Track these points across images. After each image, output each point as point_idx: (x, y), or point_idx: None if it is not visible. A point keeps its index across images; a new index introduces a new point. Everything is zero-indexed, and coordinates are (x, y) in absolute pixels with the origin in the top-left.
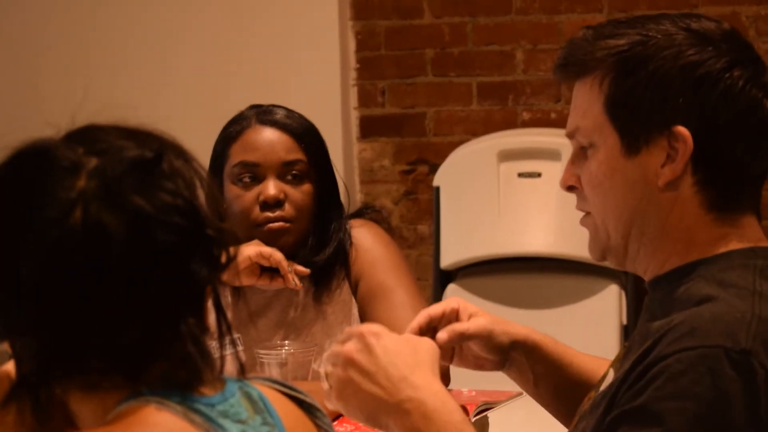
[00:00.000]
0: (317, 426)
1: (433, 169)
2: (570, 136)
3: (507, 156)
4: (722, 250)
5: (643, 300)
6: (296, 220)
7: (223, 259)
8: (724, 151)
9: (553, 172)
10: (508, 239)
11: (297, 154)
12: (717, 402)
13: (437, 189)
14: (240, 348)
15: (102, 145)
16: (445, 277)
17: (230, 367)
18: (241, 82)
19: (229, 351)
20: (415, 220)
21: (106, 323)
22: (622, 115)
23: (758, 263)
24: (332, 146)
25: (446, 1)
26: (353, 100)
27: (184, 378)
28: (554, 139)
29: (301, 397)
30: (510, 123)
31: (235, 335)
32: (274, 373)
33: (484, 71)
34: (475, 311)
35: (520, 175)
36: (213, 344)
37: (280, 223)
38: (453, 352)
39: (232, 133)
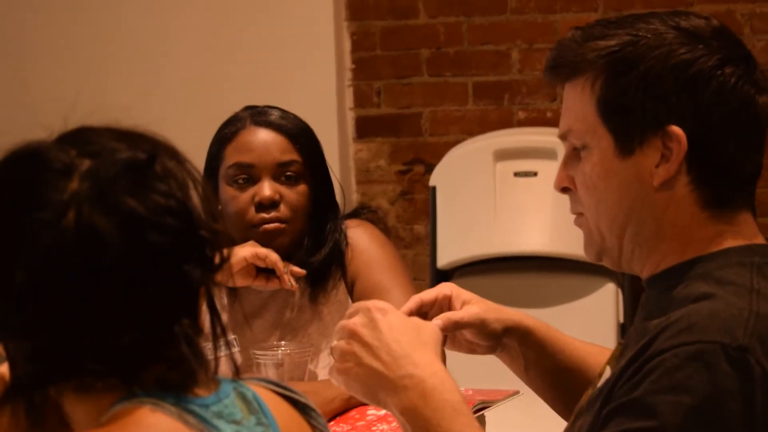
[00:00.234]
0: (312, 426)
1: (429, 169)
2: (562, 138)
3: (503, 155)
4: (719, 247)
5: (640, 298)
6: (292, 221)
7: (217, 259)
8: (718, 149)
9: (549, 171)
10: (505, 238)
11: (292, 155)
12: (712, 397)
13: (433, 189)
14: (236, 349)
15: (94, 147)
16: (441, 277)
17: (226, 369)
18: (236, 83)
19: (225, 352)
20: (412, 220)
21: (101, 325)
22: (615, 117)
23: (755, 260)
24: (328, 147)
25: (441, 1)
26: (349, 100)
27: (178, 379)
28: (550, 138)
29: (296, 397)
30: (506, 122)
31: (231, 336)
32: (271, 373)
33: (480, 71)
34: (468, 298)
35: (516, 174)
36: (208, 346)
37: (276, 224)
38: (446, 337)
39: (226, 134)
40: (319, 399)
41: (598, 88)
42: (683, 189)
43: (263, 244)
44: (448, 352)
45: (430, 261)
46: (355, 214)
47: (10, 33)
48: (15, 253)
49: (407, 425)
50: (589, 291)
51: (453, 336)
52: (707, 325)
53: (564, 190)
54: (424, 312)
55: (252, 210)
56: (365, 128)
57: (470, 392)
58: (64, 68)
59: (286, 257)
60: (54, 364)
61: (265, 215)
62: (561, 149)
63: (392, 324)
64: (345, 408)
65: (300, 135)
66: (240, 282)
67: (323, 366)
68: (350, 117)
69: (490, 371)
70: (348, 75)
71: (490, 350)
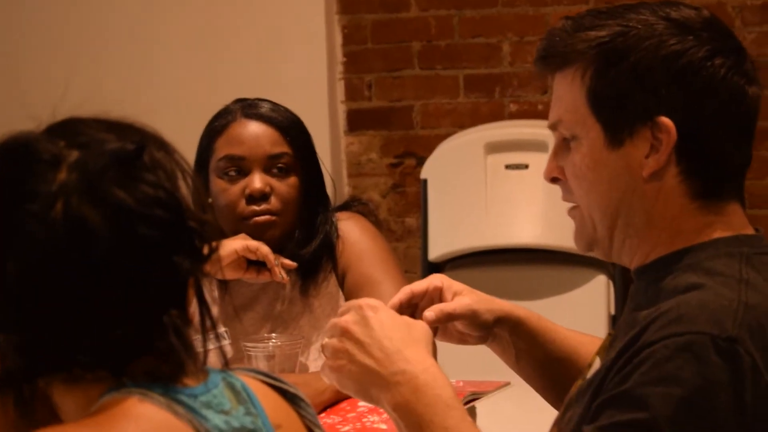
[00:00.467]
0: (301, 416)
1: (421, 161)
2: (552, 128)
3: (494, 148)
4: (707, 238)
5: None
6: (282, 214)
7: (206, 251)
8: (708, 140)
9: (541, 163)
10: (496, 231)
11: (282, 148)
12: (703, 388)
13: (425, 182)
14: (227, 342)
15: (83, 138)
16: (433, 270)
17: (216, 362)
18: (227, 75)
19: (215, 345)
20: (403, 212)
21: (90, 317)
22: (604, 108)
23: (744, 251)
24: (319, 140)
25: None
26: (340, 93)
27: (167, 370)
28: (541, 130)
29: (285, 387)
30: (497, 115)
31: (223, 329)
32: (262, 365)
33: (471, 64)
34: (459, 289)
35: (508, 166)
36: (198, 338)
37: (267, 217)
38: (437, 329)
39: (217, 127)
40: (310, 390)
41: (588, 79)
42: (673, 180)
43: (254, 237)
44: (440, 345)
45: (422, 254)
46: (346, 206)
47: None
48: (3, 245)
49: (400, 421)
50: (581, 283)
51: (444, 327)
52: (696, 316)
53: (554, 180)
54: (414, 303)
55: (243, 202)
56: (356, 121)
57: (461, 384)
58: (53, 59)
59: (277, 250)
60: (43, 357)
61: (255, 208)
62: (552, 142)
63: (383, 321)
64: (336, 399)
65: (290, 127)
66: (231, 275)
67: (314, 358)
68: (341, 110)
69: (481, 363)
70: (339, 68)
71: (481, 340)
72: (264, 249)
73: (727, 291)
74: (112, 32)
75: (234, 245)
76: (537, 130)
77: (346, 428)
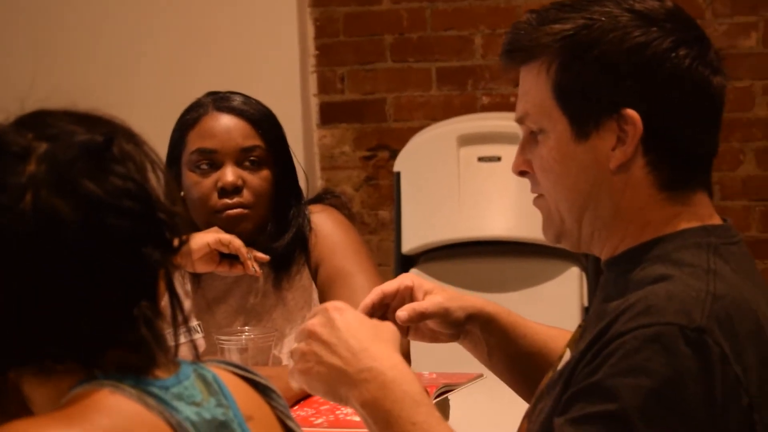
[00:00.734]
0: (273, 408)
1: (394, 154)
2: (519, 121)
3: (467, 140)
4: (675, 229)
5: None
6: (255, 207)
7: (176, 243)
8: (674, 131)
9: (513, 156)
10: (469, 223)
11: (254, 140)
12: (672, 379)
13: (398, 174)
14: (200, 335)
15: (52, 130)
16: (406, 262)
17: (189, 355)
18: (199, 69)
19: (188, 338)
20: (376, 205)
21: (59, 309)
22: (570, 101)
23: (711, 241)
24: (292, 133)
25: None
26: (313, 86)
27: (138, 362)
28: (514, 123)
29: (256, 378)
30: (469, 108)
31: (196, 322)
32: (235, 358)
33: (443, 56)
34: (429, 288)
35: (480, 159)
36: (170, 331)
37: (239, 210)
38: (408, 328)
39: (189, 120)
40: (283, 384)
41: (554, 72)
42: (640, 171)
43: (226, 230)
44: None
45: (395, 246)
46: (318, 199)
47: None
48: None
49: (368, 419)
50: (554, 275)
51: (416, 326)
52: (665, 307)
53: (522, 173)
54: (386, 303)
55: (215, 196)
56: (329, 114)
57: (434, 376)
58: (20, 51)
59: (250, 243)
60: (13, 349)
61: (228, 201)
62: None
63: (349, 322)
64: (309, 393)
65: (263, 120)
66: (203, 268)
67: (287, 351)
68: (314, 103)
69: (454, 355)
70: (312, 61)
71: (453, 338)
72: (236, 242)
73: (695, 282)
74: (80, 24)
75: (206, 238)
76: (509, 122)
77: (319, 420)
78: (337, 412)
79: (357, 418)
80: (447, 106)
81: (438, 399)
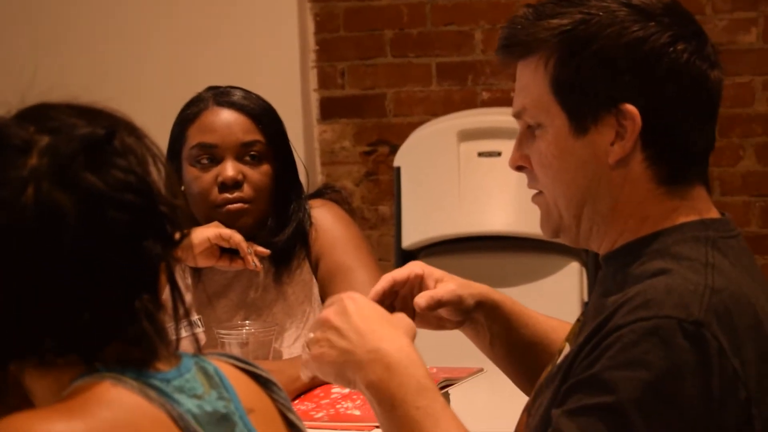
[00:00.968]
0: (274, 401)
1: (394, 149)
2: (517, 116)
3: (467, 136)
4: (673, 223)
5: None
6: (255, 201)
7: (177, 236)
8: (672, 125)
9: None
10: (469, 218)
11: (255, 135)
12: (669, 371)
13: (398, 169)
14: (200, 329)
15: (53, 124)
16: (406, 257)
17: (190, 349)
18: (200, 64)
19: (188, 333)
20: (377, 200)
21: (60, 302)
22: (569, 96)
23: (710, 235)
24: (292, 128)
25: None
26: (313, 82)
27: (139, 354)
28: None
29: (258, 371)
30: (469, 103)
31: (196, 317)
32: (235, 352)
33: (443, 51)
34: (440, 276)
35: (480, 154)
36: (171, 326)
37: (239, 204)
38: (414, 315)
39: (189, 115)
40: (284, 377)
41: (552, 67)
42: (638, 166)
43: (227, 225)
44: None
45: (395, 241)
46: (319, 194)
47: None
48: None
49: (373, 400)
50: (554, 270)
51: (424, 314)
52: (663, 301)
53: (519, 168)
54: (395, 291)
55: (215, 190)
56: (329, 109)
57: (434, 370)
58: (22, 45)
59: (250, 237)
60: (13, 342)
61: (228, 195)
62: None
63: (362, 308)
64: (310, 386)
65: (263, 115)
66: (203, 262)
67: (288, 345)
68: (314, 98)
69: (455, 349)
70: (312, 56)
71: (459, 325)
72: (237, 237)
73: (693, 275)
74: (81, 18)
75: (207, 233)
76: (509, 117)
77: (320, 414)
78: (338, 406)
79: (357, 412)
80: (447, 101)
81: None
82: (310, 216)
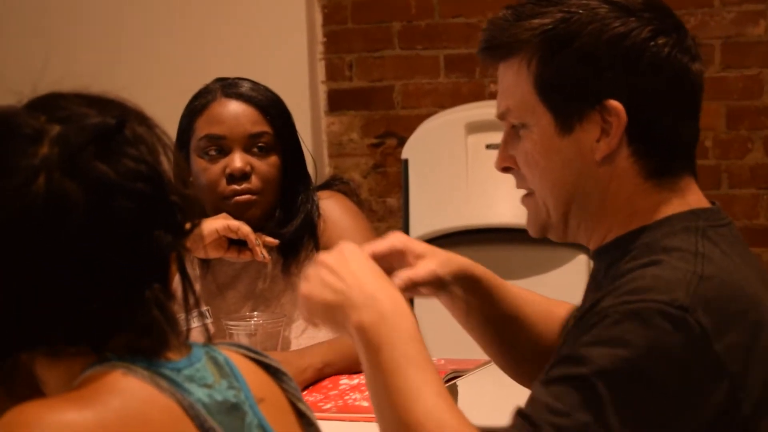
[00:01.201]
0: (283, 390)
1: (402, 141)
2: (501, 117)
3: (475, 128)
4: (663, 215)
5: None
6: (263, 193)
7: (187, 225)
8: (656, 120)
9: None
10: (477, 211)
11: (263, 127)
12: (648, 351)
13: (406, 162)
14: (209, 320)
15: (64, 113)
16: None
17: (201, 339)
18: (208, 56)
19: (198, 323)
20: (384, 192)
21: (71, 291)
22: (553, 95)
23: (700, 225)
24: (300, 120)
25: None
26: (321, 73)
27: (150, 344)
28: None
29: (267, 361)
30: (477, 95)
31: (205, 307)
32: (243, 343)
33: (451, 44)
34: (421, 252)
35: (488, 146)
36: (181, 316)
37: (247, 196)
38: None
39: (197, 106)
40: (292, 369)
41: (534, 67)
42: (625, 161)
43: (235, 216)
44: (422, 323)
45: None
46: (327, 185)
47: None
48: None
49: (360, 344)
50: (562, 262)
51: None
52: (650, 287)
53: (506, 169)
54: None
55: (223, 182)
56: (337, 101)
57: (443, 362)
58: (33, 34)
59: (258, 229)
60: (24, 331)
61: (236, 187)
62: None
63: (358, 255)
64: (318, 378)
65: (271, 106)
66: (212, 254)
67: (296, 336)
68: (322, 90)
69: (463, 341)
70: (320, 48)
71: (433, 295)
72: (245, 228)
73: (683, 264)
74: (91, 10)
75: (215, 225)
76: None
77: (328, 406)
78: (346, 397)
79: (366, 404)
80: (455, 93)
81: (446, 385)
82: (318, 207)
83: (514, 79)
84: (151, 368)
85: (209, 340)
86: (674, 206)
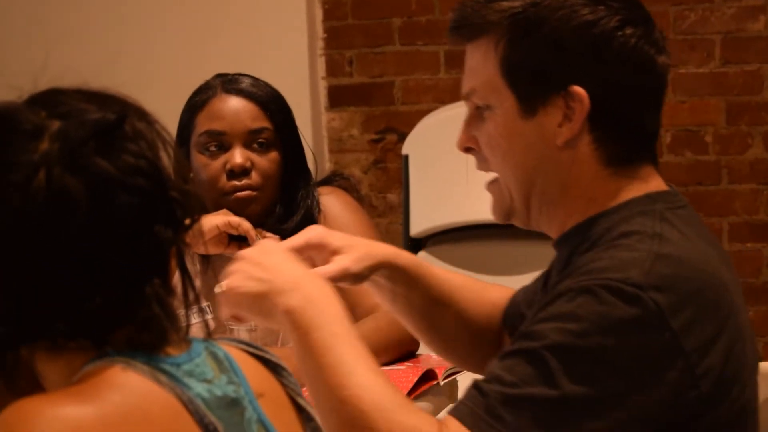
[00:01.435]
0: (283, 385)
1: (402, 137)
2: (465, 98)
3: None
4: (620, 200)
5: None
6: (263, 188)
7: (187, 221)
8: (620, 108)
9: None
10: (478, 206)
11: (263, 122)
12: (599, 325)
13: (406, 157)
14: (209, 316)
15: (64, 108)
16: (414, 245)
17: (202, 334)
18: (209, 52)
19: (198, 319)
20: (385, 188)
21: (71, 286)
22: (518, 78)
23: (657, 207)
24: (301, 116)
25: None
26: (321, 69)
27: (150, 339)
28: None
29: (267, 356)
30: None
31: (205, 303)
32: (243, 339)
33: None
34: (338, 247)
35: None
36: (181, 312)
37: (247, 192)
38: None
39: (197, 102)
40: (293, 364)
41: (502, 49)
42: (586, 148)
43: (235, 212)
44: None
45: (403, 229)
46: (327, 181)
47: None
48: None
49: (289, 326)
50: None
51: None
52: (606, 268)
53: (467, 150)
54: None
55: (224, 178)
56: (337, 97)
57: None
58: (33, 30)
59: (259, 225)
60: (24, 326)
61: (236, 183)
62: None
63: (279, 249)
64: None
65: (271, 102)
66: (212, 250)
67: None
68: (322, 86)
69: None
70: (320, 44)
71: (354, 285)
72: (245, 224)
73: (639, 245)
74: (91, 4)
75: (215, 220)
76: None
77: None
78: None
79: None
80: (455, 89)
81: (446, 380)
82: (318, 203)
83: (481, 60)
84: (150, 363)
85: (209, 335)
86: (632, 192)
